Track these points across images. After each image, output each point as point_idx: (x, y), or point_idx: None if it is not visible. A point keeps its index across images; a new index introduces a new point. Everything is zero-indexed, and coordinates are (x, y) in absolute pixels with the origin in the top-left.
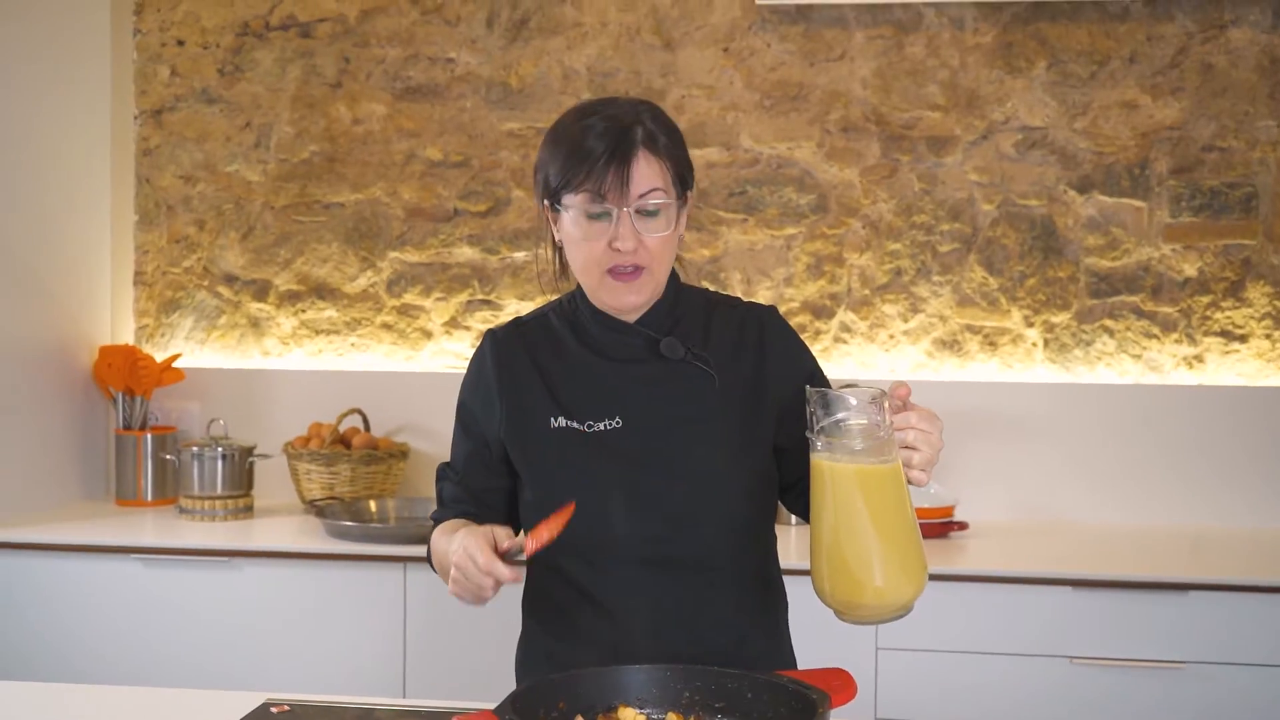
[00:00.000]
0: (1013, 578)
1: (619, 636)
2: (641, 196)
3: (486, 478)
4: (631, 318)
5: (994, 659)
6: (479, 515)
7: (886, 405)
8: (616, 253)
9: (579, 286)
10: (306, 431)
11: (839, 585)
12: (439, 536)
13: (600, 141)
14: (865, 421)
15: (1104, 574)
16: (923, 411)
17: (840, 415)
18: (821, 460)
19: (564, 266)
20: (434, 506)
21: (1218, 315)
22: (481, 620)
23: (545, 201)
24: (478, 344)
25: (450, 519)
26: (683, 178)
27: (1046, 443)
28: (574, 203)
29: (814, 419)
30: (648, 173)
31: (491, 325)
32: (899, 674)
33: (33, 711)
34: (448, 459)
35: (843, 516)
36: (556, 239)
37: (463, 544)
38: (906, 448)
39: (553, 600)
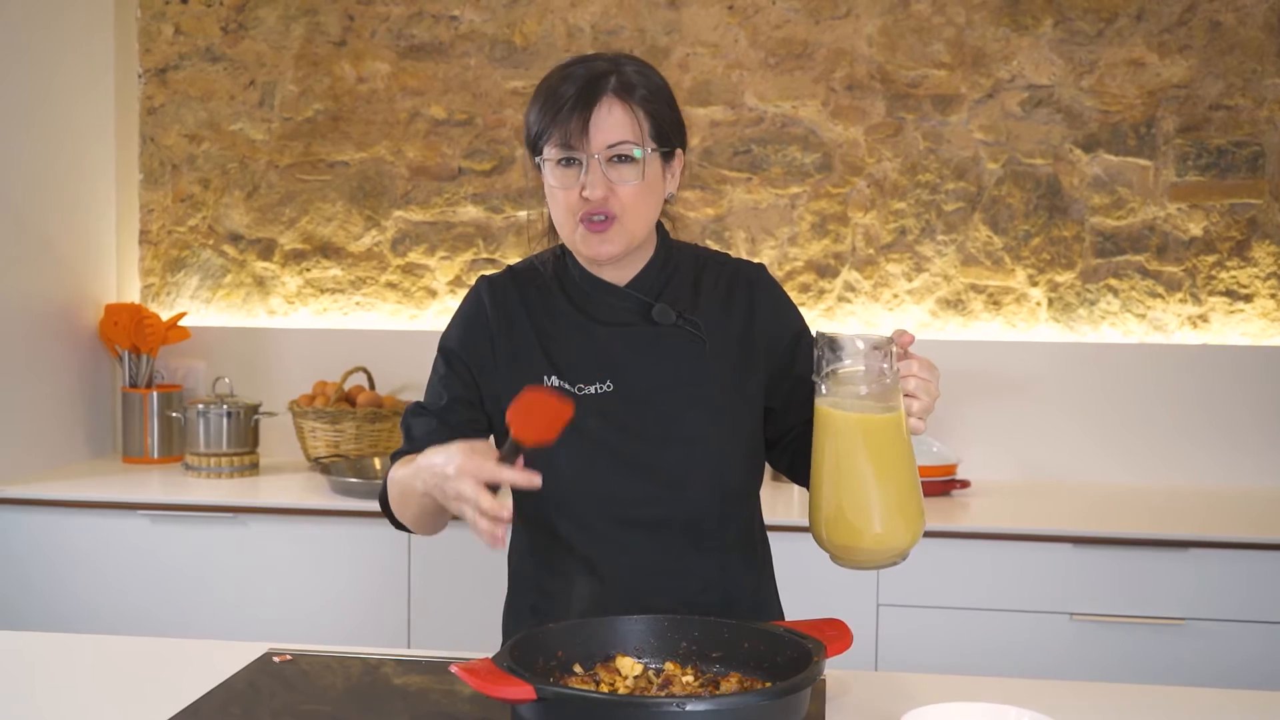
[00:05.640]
0: (1014, 534)
1: (606, 596)
2: (610, 146)
3: (468, 417)
4: (622, 279)
5: (995, 615)
6: None
7: (893, 352)
8: (586, 201)
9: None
10: (311, 390)
11: (837, 529)
12: (396, 470)
13: (571, 88)
14: (872, 367)
15: (1105, 531)
16: (923, 361)
17: (848, 360)
18: (827, 404)
19: (552, 224)
20: None
21: (1223, 275)
22: (484, 574)
23: (532, 156)
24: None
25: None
26: (664, 134)
27: (1049, 402)
28: (548, 152)
29: (821, 363)
30: (614, 121)
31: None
32: (899, 630)
33: (36, 661)
34: None
35: (845, 461)
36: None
37: (450, 467)
38: (907, 395)
39: (540, 558)
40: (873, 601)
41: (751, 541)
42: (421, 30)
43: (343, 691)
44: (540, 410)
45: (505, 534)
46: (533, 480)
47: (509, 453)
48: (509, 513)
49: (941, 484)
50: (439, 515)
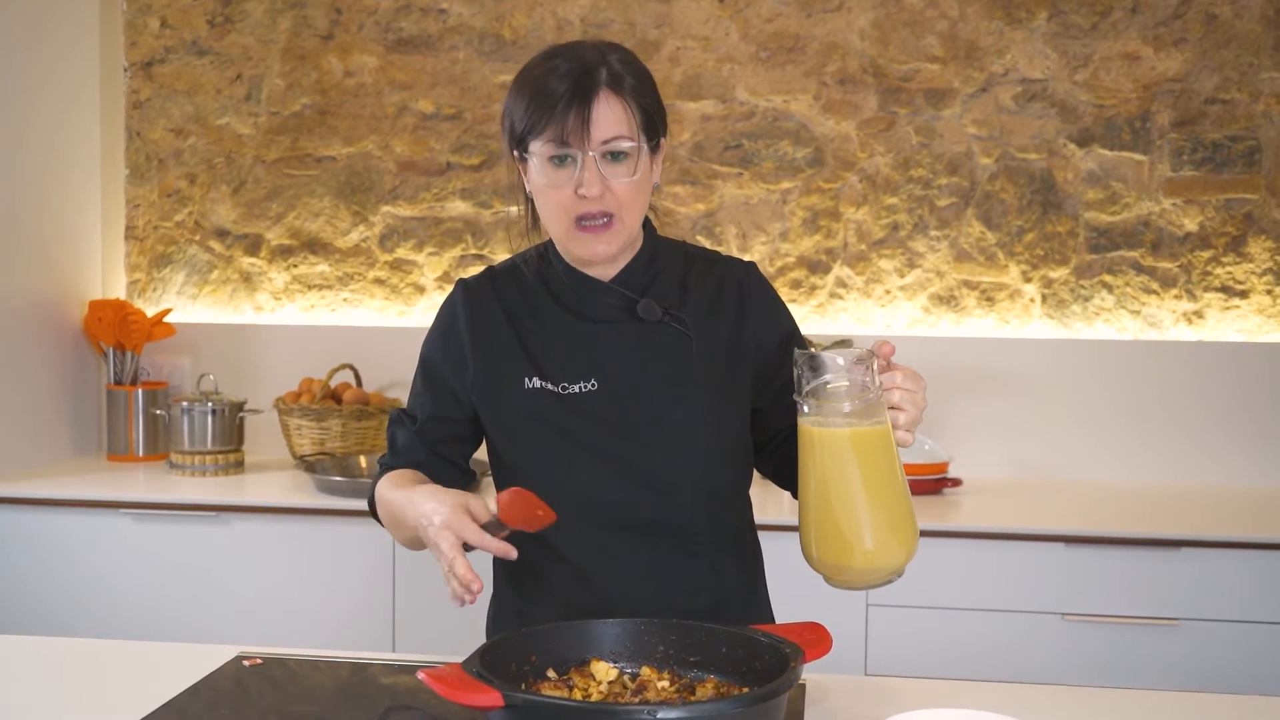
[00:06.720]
0: (1007, 534)
1: (593, 600)
2: (606, 142)
3: (446, 433)
4: (607, 275)
5: (986, 616)
6: (431, 467)
7: (875, 365)
8: (583, 200)
9: (550, 238)
10: (298, 387)
11: (828, 549)
12: (387, 486)
13: (562, 83)
14: (854, 382)
15: (1099, 530)
16: (907, 371)
17: (828, 377)
18: (810, 422)
19: (536, 219)
20: None
21: (1218, 270)
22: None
23: (513, 150)
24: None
25: (400, 468)
26: (652, 124)
27: (1043, 399)
28: (538, 149)
29: (801, 381)
30: (611, 115)
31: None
32: (889, 631)
33: (15, 664)
34: None
35: (832, 479)
36: (528, 190)
37: (437, 532)
38: (892, 408)
39: (526, 562)
40: (862, 602)
41: (742, 543)
42: (409, 24)
43: (331, 691)
44: (527, 505)
45: (474, 599)
46: (509, 553)
47: (493, 525)
48: (479, 585)
49: (933, 482)
50: None
